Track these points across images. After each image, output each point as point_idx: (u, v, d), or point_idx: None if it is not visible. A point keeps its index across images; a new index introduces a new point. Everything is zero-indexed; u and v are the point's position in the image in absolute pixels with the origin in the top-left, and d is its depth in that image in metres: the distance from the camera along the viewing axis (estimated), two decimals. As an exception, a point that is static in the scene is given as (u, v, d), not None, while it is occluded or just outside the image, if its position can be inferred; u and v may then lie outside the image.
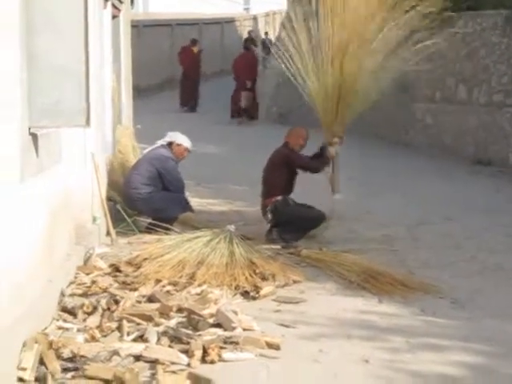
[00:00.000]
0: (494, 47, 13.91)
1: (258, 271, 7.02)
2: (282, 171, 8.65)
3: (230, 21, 36.16)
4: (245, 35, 30.94)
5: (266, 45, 26.09)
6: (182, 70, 23.44)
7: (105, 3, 9.16)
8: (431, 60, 15.30)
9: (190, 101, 22.97)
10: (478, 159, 13.87)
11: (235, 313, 5.91)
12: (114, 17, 10.41)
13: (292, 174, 8.75)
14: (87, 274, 6.77)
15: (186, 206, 8.89)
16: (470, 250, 8.39)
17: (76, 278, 6.70)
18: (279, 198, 8.57)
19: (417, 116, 15.82)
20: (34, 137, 5.39)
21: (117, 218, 8.59)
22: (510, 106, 13.48)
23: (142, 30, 27.25)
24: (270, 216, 8.57)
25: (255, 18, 38.96)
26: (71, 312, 5.90)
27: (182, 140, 8.95)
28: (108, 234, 8.26)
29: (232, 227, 7.66)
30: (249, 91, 20.59)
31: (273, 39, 30.33)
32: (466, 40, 14.51)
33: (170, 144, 8.90)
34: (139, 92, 24.14)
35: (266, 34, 31.09)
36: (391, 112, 15.79)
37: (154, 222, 8.22)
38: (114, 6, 10.01)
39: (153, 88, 26.93)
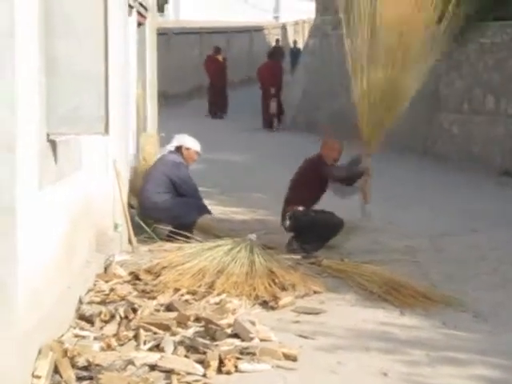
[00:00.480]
0: (522, 57, 13.78)
1: (277, 281, 6.96)
2: (311, 183, 8.55)
3: (259, 29, 36.19)
4: (273, 43, 31.01)
5: (294, 53, 25.91)
6: (208, 79, 23.74)
7: (130, 10, 9.16)
8: (459, 70, 15.23)
9: (217, 108, 23.21)
10: (506, 169, 13.72)
11: (253, 323, 5.86)
12: (140, 24, 10.42)
13: (321, 189, 8.66)
14: (106, 282, 6.75)
15: (204, 209, 8.83)
16: (494, 262, 8.28)
17: (95, 285, 6.68)
18: (300, 208, 8.50)
19: (444, 126, 15.69)
20: (53, 143, 5.38)
21: (139, 225, 8.57)
22: (539, 116, 13.35)
23: (171, 37, 27.36)
24: (288, 222, 8.51)
25: (284, 27, 38.96)
26: (89, 320, 5.88)
27: (191, 143, 8.89)
28: (129, 241, 8.24)
29: (253, 236, 7.62)
30: (274, 97, 20.86)
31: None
32: (493, 50, 14.38)
33: (178, 148, 8.85)
34: (167, 99, 24.27)
35: (295, 42, 31.00)
36: (418, 122, 15.69)
37: (174, 230, 8.19)
38: (139, 13, 10.02)
39: (181, 95, 26.99)
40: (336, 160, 8.70)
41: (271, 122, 20.90)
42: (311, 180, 8.56)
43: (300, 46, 32.84)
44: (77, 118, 5.26)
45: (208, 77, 23.72)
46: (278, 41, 29.00)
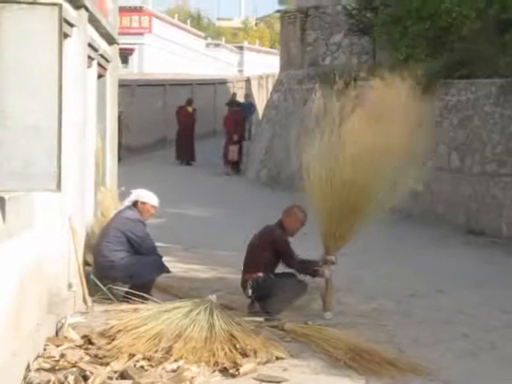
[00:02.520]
0: (487, 116, 13.73)
1: (238, 346, 6.64)
2: (268, 251, 8.26)
3: (223, 82, 36.23)
4: (239, 96, 31.31)
5: (246, 106, 27.12)
6: (177, 128, 25.16)
7: (90, 62, 8.92)
8: (424, 126, 15.16)
9: (185, 156, 24.70)
10: (471, 229, 13.59)
11: (211, 394, 5.54)
12: (101, 76, 10.18)
13: (278, 256, 8.34)
14: (57, 346, 6.39)
15: (162, 267, 8.49)
16: (462, 326, 8.03)
17: (45, 349, 6.32)
18: (260, 274, 8.20)
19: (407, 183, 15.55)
20: (1, 201, 5.07)
21: (94, 284, 8.23)
22: (504, 175, 13.25)
23: (135, 89, 27.21)
24: (250, 291, 8.20)
25: (248, 80, 39.07)
26: (36, 389, 5.52)
27: (147, 198, 8.60)
28: (84, 301, 7.88)
29: (213, 297, 7.31)
30: (235, 144, 22.91)
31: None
32: (458, 108, 14.34)
33: (135, 203, 8.56)
34: (131, 151, 24.12)
35: (247, 96, 31.36)
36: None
37: (130, 290, 7.86)
38: (100, 64, 9.78)
39: (146, 147, 26.78)
40: (297, 230, 8.40)
41: (233, 167, 22.90)
42: (269, 251, 8.26)
43: (256, 100, 33.57)
44: (27, 173, 4.97)
45: (178, 126, 25.12)
46: (234, 94, 30.05)
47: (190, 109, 25.31)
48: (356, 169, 7.97)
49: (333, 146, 8.06)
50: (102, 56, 9.77)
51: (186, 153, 24.75)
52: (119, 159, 23.03)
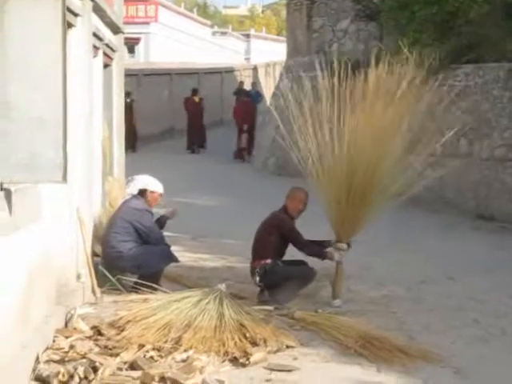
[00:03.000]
0: (495, 100, 13.64)
1: (248, 335, 6.60)
2: (274, 236, 8.24)
3: (230, 70, 36.11)
4: (246, 84, 31.19)
5: (253, 96, 26.84)
6: (187, 119, 25.49)
7: (95, 51, 8.87)
8: (431, 112, 15.07)
9: (196, 144, 25.14)
10: (480, 214, 13.52)
11: (221, 383, 5.51)
12: (107, 65, 10.14)
13: (285, 240, 8.34)
14: (66, 338, 6.36)
15: (170, 257, 8.44)
16: (473, 312, 7.99)
17: (54, 341, 6.29)
18: (269, 261, 8.17)
19: (417, 170, 15.47)
20: (8, 193, 5.04)
21: (103, 275, 8.20)
22: (513, 160, 13.18)
23: (141, 78, 27.15)
24: (258, 279, 8.17)
25: (255, 68, 38.94)
26: (45, 381, 5.50)
27: (155, 186, 8.53)
28: (93, 291, 7.86)
29: (223, 286, 7.28)
30: (245, 133, 23.24)
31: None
32: (467, 93, 14.24)
33: (142, 192, 8.50)
34: (138, 141, 24.08)
35: (254, 84, 31.17)
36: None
37: (139, 281, 7.84)
38: (105, 54, 9.73)
39: (153, 137, 26.73)
40: (301, 211, 8.38)
41: (242, 155, 23.00)
42: (275, 235, 8.24)
43: (263, 88, 33.44)
44: (33, 165, 4.94)
45: (187, 116, 25.40)
46: (241, 82, 30.15)
47: (196, 98, 25.55)
48: (362, 156, 7.92)
49: (339, 132, 8.00)
50: (107, 45, 9.72)
51: (197, 141, 25.14)
52: (134, 150, 23.56)
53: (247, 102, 24.46)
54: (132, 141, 23.55)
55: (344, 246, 8.20)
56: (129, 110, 23.55)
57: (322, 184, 8.10)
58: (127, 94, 23.87)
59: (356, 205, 8.03)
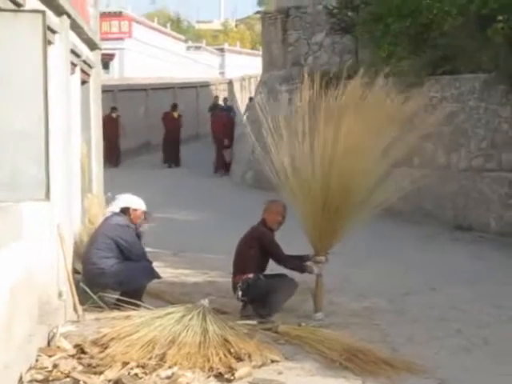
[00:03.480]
0: (471, 111, 13.74)
1: (232, 350, 6.57)
2: (255, 249, 8.24)
3: (205, 85, 36.14)
4: (221, 98, 31.30)
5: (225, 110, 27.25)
6: (164, 133, 25.61)
7: (73, 68, 8.84)
8: (409, 123, 15.14)
9: (172, 159, 25.29)
10: (458, 225, 13.59)
11: (208, 399, 5.48)
12: (84, 82, 10.11)
13: (266, 253, 8.32)
14: (49, 357, 6.30)
15: (152, 273, 8.40)
16: (455, 323, 8.01)
17: (37, 360, 6.23)
18: (251, 275, 8.16)
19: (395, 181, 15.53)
20: (-11, 212, 5.00)
21: (84, 292, 8.14)
22: (490, 170, 13.26)
23: (117, 94, 27.10)
24: (240, 293, 8.15)
25: (231, 82, 39.00)
26: (30, 401, 5.45)
27: (138, 204, 8.51)
28: (75, 309, 7.81)
29: (206, 302, 7.24)
30: (228, 148, 23.40)
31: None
32: (443, 104, 14.33)
33: (124, 210, 8.47)
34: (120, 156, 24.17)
35: (225, 100, 31.36)
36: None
37: (121, 297, 7.80)
38: (83, 70, 9.70)
39: (129, 151, 26.68)
40: (281, 223, 8.39)
41: (228, 169, 23.17)
42: (256, 248, 8.23)
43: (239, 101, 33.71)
44: (14, 183, 4.89)
45: (164, 130, 25.56)
46: (216, 97, 30.65)
47: (175, 114, 25.80)
48: (337, 169, 7.94)
49: (315, 146, 8.02)
50: (84, 62, 9.70)
51: (172, 157, 25.30)
52: (118, 163, 23.92)
53: (223, 116, 24.83)
54: (116, 156, 24.23)
55: (322, 259, 8.21)
56: (115, 125, 24.39)
57: (298, 198, 8.11)
58: (113, 109, 24.67)
59: (332, 218, 8.04)
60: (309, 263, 8.21)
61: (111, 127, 22.95)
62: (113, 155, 23.13)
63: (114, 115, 24.72)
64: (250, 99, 31.28)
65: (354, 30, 17.52)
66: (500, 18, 13.08)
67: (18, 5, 5.63)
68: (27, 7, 5.76)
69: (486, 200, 13.22)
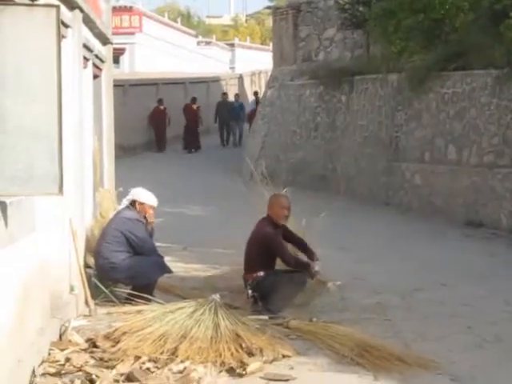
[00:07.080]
0: (483, 107, 13.69)
1: (244, 345, 6.58)
2: (262, 249, 8.24)
3: (216, 80, 36.12)
4: (231, 93, 31.66)
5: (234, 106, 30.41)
6: (185, 123, 28.86)
7: (85, 62, 8.85)
8: (419, 119, 15.13)
9: (192, 145, 28.58)
10: (469, 221, 13.55)
11: (220, 394, 5.48)
12: (96, 76, 10.11)
13: (273, 251, 8.34)
14: (62, 350, 6.32)
15: (164, 268, 8.41)
16: (467, 319, 7.99)
17: (50, 354, 6.25)
18: (261, 273, 8.17)
19: (406, 177, 15.52)
20: (3, 205, 5.00)
21: (96, 287, 8.16)
22: (502, 166, 13.21)
23: (127, 89, 27.10)
24: (250, 292, 8.16)
25: (241, 77, 38.97)
26: (42, 394, 5.46)
27: (145, 198, 8.48)
28: (86, 303, 7.82)
29: (217, 296, 7.24)
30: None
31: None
32: (454, 100, 14.29)
33: (133, 203, 8.46)
34: (124, 151, 24.08)
35: (237, 96, 32.06)
36: (378, 172, 15.48)
37: (133, 292, 7.80)
38: (95, 65, 9.71)
39: (139, 147, 26.71)
40: (287, 216, 8.38)
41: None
42: (263, 249, 8.24)
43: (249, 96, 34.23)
44: (28, 177, 4.89)
45: (185, 121, 28.78)
46: (225, 93, 31.87)
47: (194, 106, 29.17)
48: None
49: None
50: (96, 56, 9.71)
51: (191, 144, 28.49)
52: (164, 149, 28.08)
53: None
54: (163, 142, 28.26)
55: (318, 270, 8.23)
56: (163, 115, 27.94)
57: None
58: (160, 101, 28.08)
59: None
60: (311, 262, 8.24)
61: (160, 117, 27.78)
62: (161, 141, 28.08)
63: (161, 107, 27.89)
64: (255, 93, 31.58)
65: (365, 25, 17.48)
66: (512, 13, 13.03)
67: (32, -1, 5.64)
68: (41, 1, 5.77)
69: (498, 196, 13.16)
